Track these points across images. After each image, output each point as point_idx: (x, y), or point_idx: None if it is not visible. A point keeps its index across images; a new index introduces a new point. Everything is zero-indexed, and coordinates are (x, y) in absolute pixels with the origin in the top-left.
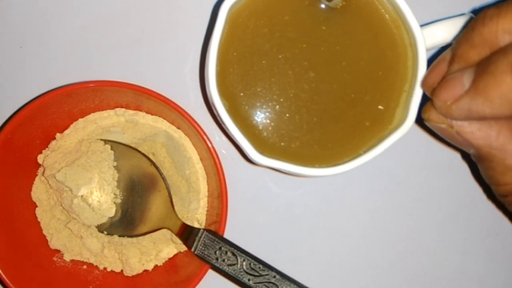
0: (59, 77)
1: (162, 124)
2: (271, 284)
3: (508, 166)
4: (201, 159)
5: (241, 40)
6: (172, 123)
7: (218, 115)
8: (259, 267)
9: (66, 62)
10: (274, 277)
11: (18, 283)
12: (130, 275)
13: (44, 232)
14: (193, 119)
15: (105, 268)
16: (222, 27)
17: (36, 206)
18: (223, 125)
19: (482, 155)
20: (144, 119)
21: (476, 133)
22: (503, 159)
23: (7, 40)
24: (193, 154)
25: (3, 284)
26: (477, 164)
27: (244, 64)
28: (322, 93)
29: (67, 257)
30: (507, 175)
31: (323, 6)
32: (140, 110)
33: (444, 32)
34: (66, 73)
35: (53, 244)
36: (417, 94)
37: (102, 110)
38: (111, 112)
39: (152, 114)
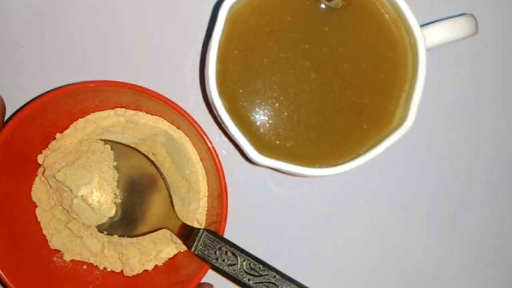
0: (59, 77)
1: (162, 124)
2: (271, 284)
3: None
4: (201, 159)
5: (242, 39)
6: (172, 123)
7: (218, 115)
8: (259, 267)
9: (66, 62)
10: (274, 277)
11: (18, 283)
12: (130, 275)
13: (44, 232)
14: (193, 119)
15: (105, 268)
16: (222, 26)
17: (36, 206)
18: (223, 125)
19: None
20: (144, 119)
21: None
22: None
23: (7, 40)
24: (193, 154)
25: (3, 284)
26: None
27: (245, 62)
28: (322, 94)
29: (67, 257)
30: None
31: (323, 6)
32: (140, 110)
33: (444, 32)
34: (66, 73)
35: (53, 244)
36: (417, 94)
37: (102, 110)
38: (111, 112)
39: (152, 114)
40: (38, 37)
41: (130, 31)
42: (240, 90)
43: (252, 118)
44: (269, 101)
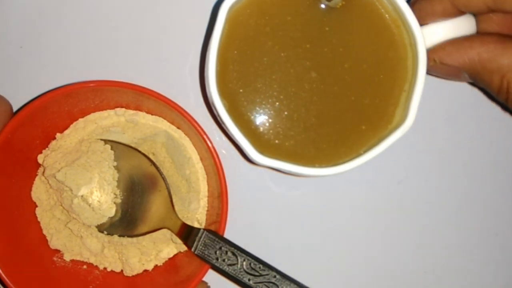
0: (59, 77)
1: (162, 124)
2: (271, 284)
3: (493, 69)
4: (201, 159)
5: (242, 38)
6: (172, 123)
7: (218, 115)
8: (259, 267)
9: (66, 62)
10: (275, 277)
11: (18, 283)
12: (130, 275)
13: (44, 232)
14: (193, 118)
15: (105, 268)
16: (222, 27)
17: (36, 206)
18: (223, 125)
19: (470, 71)
20: (144, 119)
21: (452, 54)
22: (486, 64)
23: (7, 40)
24: (193, 154)
25: (3, 284)
26: (484, 87)
27: (245, 61)
28: (322, 94)
29: (67, 257)
30: (495, 76)
31: (323, 6)
32: (140, 110)
33: (444, 32)
34: (66, 73)
35: (53, 244)
36: (417, 94)
37: (102, 110)
38: (111, 112)
39: (152, 114)
40: (38, 37)
41: (130, 31)
42: (241, 90)
43: (252, 117)
44: (270, 100)
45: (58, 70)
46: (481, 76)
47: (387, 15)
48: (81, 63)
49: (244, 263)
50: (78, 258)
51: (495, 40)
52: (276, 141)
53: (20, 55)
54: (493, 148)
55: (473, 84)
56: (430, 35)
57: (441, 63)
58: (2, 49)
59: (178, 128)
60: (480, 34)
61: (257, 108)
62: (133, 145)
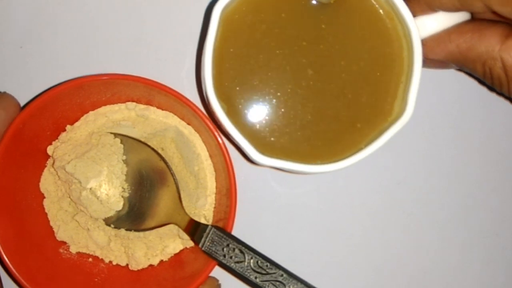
0: (57, 78)
1: (172, 120)
2: (278, 283)
3: (474, 58)
4: (210, 156)
5: (238, 36)
6: (183, 119)
7: (217, 117)
8: (267, 265)
9: (65, 63)
10: (282, 275)
11: (24, 273)
12: (136, 269)
13: (51, 223)
14: (204, 114)
15: (110, 262)
16: (216, 28)
17: (44, 197)
18: (222, 127)
19: (454, 62)
20: (155, 114)
21: (434, 49)
22: (466, 54)
23: (7, 40)
24: (202, 151)
25: (9, 274)
26: (477, 76)
27: (241, 59)
28: (319, 92)
29: (73, 249)
30: (477, 64)
31: (314, 2)
32: (151, 105)
33: (437, 22)
34: (65, 73)
35: (60, 236)
36: (414, 84)
37: (113, 103)
38: (122, 106)
39: (163, 109)
40: (38, 37)
41: (127, 34)
42: (237, 88)
43: (248, 114)
44: (266, 97)
45: (57, 71)
46: (465, 65)
47: (381, 10)
48: (79, 64)
49: (252, 261)
50: (84, 250)
51: (471, 29)
52: (272, 139)
53: (20, 55)
54: (493, 148)
55: (473, 79)
56: (423, 25)
57: (426, 58)
58: (2, 49)
59: (188, 124)
60: (458, 25)
61: (254, 105)
62: (142, 139)
